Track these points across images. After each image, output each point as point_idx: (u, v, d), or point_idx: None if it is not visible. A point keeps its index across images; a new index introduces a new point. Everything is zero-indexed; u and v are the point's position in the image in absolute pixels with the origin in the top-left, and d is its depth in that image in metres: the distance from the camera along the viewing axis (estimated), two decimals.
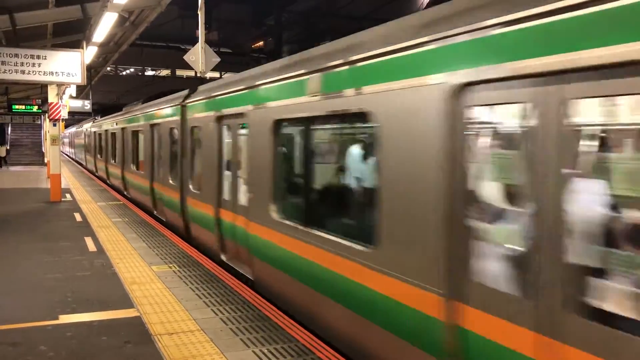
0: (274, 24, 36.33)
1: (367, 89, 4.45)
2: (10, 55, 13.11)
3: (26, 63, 13.32)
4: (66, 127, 47.46)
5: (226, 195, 8.00)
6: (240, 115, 7.34)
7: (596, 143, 3.01)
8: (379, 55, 4.25)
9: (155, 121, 12.78)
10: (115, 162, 19.38)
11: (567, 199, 2.87)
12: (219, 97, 8.25)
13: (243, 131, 7.39)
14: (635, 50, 2.48)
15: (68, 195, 17.44)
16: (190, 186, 9.72)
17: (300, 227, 5.69)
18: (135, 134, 15.78)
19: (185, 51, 9.78)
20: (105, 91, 38.16)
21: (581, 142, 2.93)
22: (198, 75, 12.79)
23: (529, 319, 3.04)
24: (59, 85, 16.10)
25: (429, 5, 14.67)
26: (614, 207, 2.93)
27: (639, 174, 3.00)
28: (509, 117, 3.40)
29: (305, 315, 5.71)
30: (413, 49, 3.86)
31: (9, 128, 42.64)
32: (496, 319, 3.24)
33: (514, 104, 3.19)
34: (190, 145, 9.89)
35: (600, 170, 3.01)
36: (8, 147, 38.97)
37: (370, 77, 4.43)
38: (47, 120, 17.44)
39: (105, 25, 11.73)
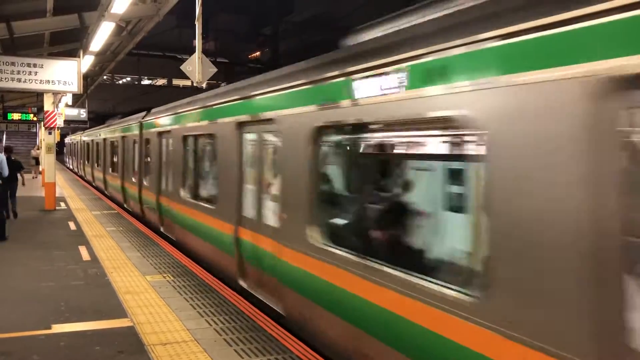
0: (271, 34, 36.54)
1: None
2: (7, 64, 13.09)
3: (22, 71, 13.31)
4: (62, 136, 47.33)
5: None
6: None
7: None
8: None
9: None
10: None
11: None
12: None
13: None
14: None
15: (62, 204, 17.39)
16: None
17: None
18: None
19: (182, 61, 9.78)
20: (102, 100, 38.18)
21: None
22: (194, 84, 12.82)
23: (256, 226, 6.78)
24: (55, 93, 16.09)
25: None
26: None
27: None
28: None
29: None
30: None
31: (4, 136, 42.55)
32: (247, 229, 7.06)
33: (250, 133, 7.14)
34: None
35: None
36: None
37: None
38: (43, 128, 17.42)
39: (102, 35, 11.75)
